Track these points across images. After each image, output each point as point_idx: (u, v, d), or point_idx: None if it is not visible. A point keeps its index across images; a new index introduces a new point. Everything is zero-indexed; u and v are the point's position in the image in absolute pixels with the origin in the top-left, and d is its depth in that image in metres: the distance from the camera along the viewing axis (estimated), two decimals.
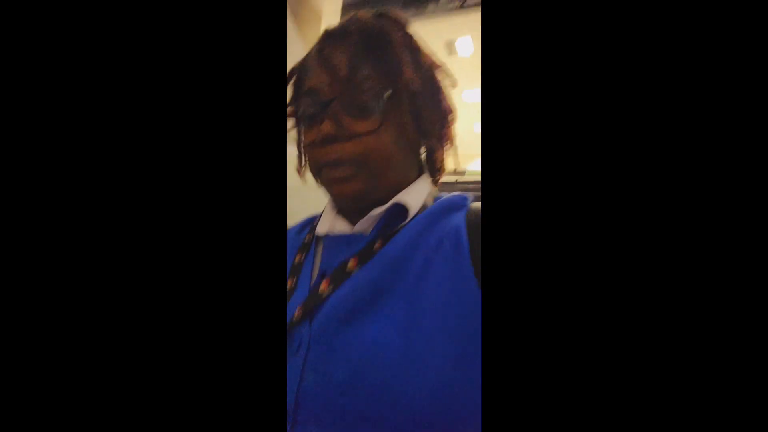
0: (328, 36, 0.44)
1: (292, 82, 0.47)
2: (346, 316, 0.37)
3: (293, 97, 0.47)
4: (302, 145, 0.48)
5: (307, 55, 0.45)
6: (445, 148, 0.48)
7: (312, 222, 0.53)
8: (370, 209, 0.42)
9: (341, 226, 0.45)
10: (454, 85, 0.48)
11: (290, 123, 0.47)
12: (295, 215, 0.53)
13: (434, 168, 0.48)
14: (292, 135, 0.48)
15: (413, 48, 0.44)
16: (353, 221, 0.45)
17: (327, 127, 0.40)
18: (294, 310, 0.40)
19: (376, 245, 0.41)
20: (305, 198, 0.64)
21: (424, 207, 0.44)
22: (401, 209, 0.43)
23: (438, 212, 0.42)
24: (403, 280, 0.37)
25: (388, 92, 0.41)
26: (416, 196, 0.44)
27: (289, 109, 0.46)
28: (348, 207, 0.45)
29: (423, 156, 0.48)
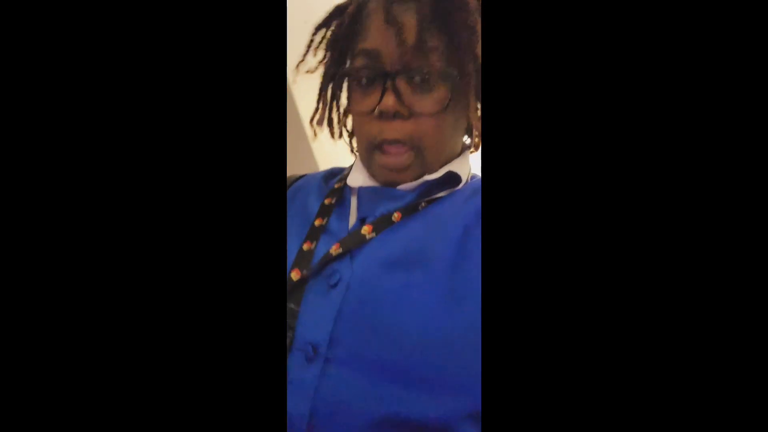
0: None
1: (332, 28, 0.43)
2: (390, 264, 0.37)
3: (333, 46, 0.43)
4: (339, 103, 0.45)
5: (366, 5, 0.40)
6: None
7: (339, 173, 0.50)
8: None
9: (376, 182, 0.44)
10: None
11: (315, 67, 0.43)
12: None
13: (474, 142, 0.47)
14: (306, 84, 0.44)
15: None
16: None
17: (389, 101, 0.37)
18: (329, 245, 0.39)
19: (421, 204, 0.40)
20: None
21: (471, 177, 0.45)
22: (454, 177, 0.42)
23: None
24: (445, 241, 0.37)
25: (456, 73, 0.37)
26: (466, 167, 0.45)
27: (319, 57, 0.42)
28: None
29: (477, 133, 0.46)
